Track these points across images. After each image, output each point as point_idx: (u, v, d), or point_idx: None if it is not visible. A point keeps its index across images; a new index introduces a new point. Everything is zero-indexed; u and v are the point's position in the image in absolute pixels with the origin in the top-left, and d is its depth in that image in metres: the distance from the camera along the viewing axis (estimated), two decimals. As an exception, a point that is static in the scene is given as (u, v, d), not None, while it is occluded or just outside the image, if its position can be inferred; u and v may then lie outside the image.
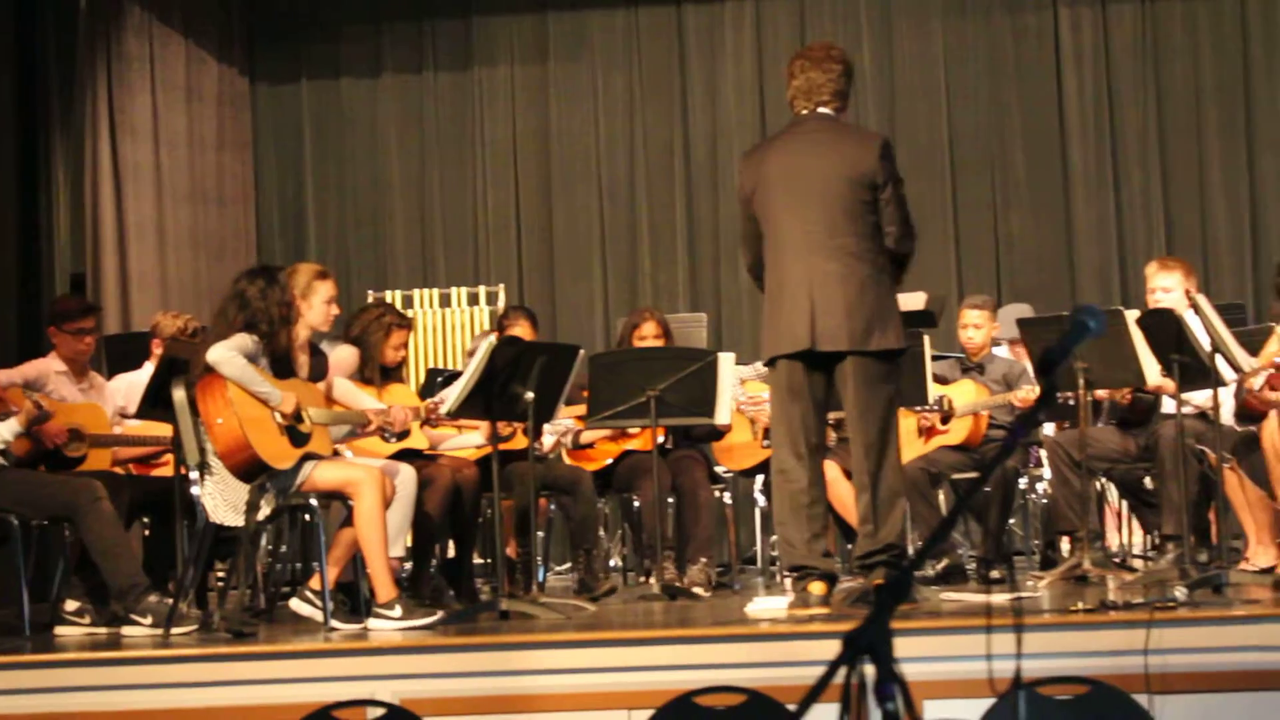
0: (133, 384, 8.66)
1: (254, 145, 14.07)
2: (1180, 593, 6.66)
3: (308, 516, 7.88)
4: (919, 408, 9.13)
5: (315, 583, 7.66)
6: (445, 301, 13.28)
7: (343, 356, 8.37)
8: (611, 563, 10.79)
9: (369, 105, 14.11)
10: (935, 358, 9.44)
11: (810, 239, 7.11)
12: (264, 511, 7.43)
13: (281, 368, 7.58)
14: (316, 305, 8.04)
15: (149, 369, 8.56)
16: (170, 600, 7.54)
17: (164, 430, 8.01)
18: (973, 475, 9.18)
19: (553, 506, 9.85)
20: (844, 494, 8.62)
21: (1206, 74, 13.34)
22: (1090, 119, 13.38)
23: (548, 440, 9.25)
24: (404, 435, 8.24)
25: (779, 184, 7.22)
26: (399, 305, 10.86)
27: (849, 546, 8.37)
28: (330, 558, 7.63)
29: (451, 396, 7.82)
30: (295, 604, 7.75)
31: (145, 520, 8.60)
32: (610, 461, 9.33)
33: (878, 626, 2.90)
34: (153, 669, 6.69)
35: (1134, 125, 13.36)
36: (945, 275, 13.13)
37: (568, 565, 10.64)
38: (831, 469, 8.56)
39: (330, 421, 7.76)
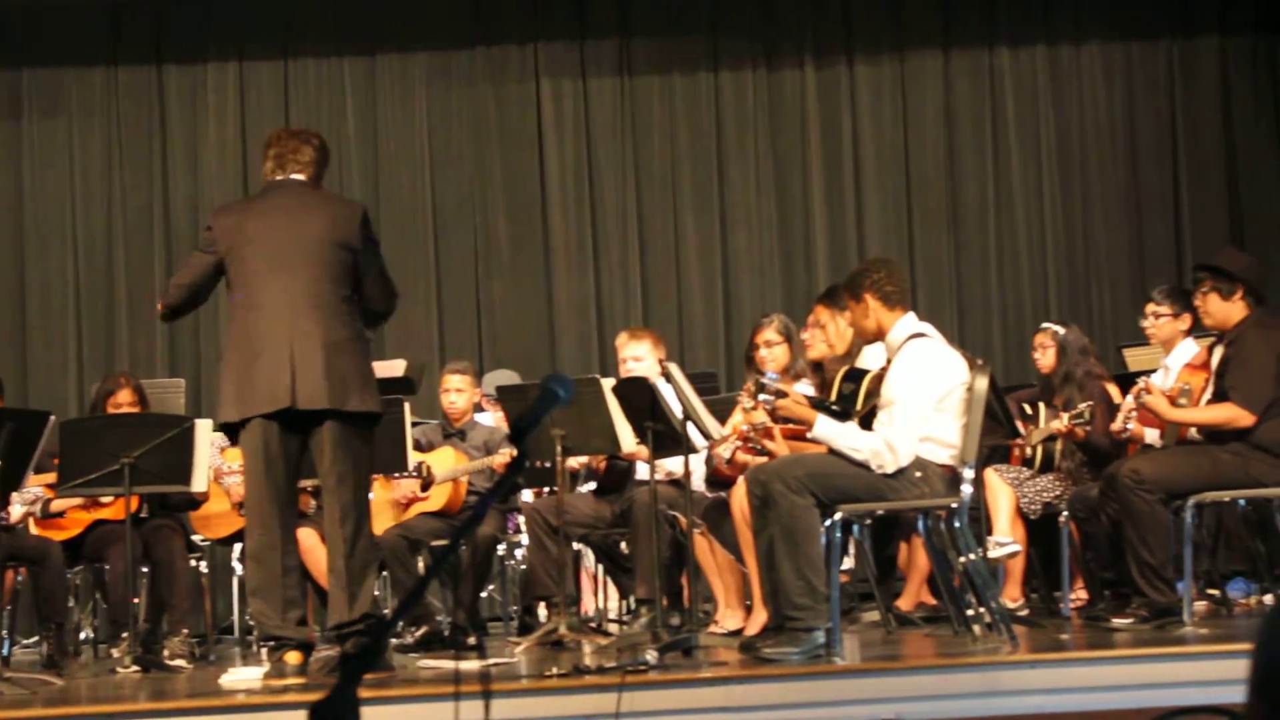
0: None
1: None
2: (651, 656, 6.79)
3: None
4: (398, 474, 9.13)
5: None
6: (-92, 365, 12.71)
7: None
8: (82, 635, 10.46)
9: None
10: (415, 424, 9.47)
11: (292, 300, 7.03)
12: None
13: None
14: None
15: None
16: None
17: None
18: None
19: (19, 578, 9.52)
20: (320, 561, 8.56)
21: (683, 149, 13.74)
22: (571, 189, 13.63)
23: (16, 510, 8.95)
24: None
25: (260, 245, 7.11)
26: None
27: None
28: None
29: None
30: None
31: None
32: (81, 531, 9.07)
33: (345, 696, 2.86)
34: None
35: (613, 197, 13.65)
36: (427, 341, 13.18)
37: (35, 639, 10.27)
38: (309, 536, 8.51)
39: None
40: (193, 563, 9.36)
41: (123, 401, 9.18)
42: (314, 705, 2.83)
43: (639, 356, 9.01)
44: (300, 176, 7.30)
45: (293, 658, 6.98)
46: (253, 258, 7.13)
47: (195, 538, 9.63)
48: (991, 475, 9.01)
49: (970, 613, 7.37)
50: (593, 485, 9.43)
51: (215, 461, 9.24)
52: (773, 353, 8.72)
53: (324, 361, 6.97)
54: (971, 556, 7.21)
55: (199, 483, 8.50)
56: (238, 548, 9.71)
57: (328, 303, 7.06)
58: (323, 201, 7.29)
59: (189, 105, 13.58)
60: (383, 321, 7.57)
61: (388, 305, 7.34)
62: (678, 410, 7.83)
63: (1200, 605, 8.74)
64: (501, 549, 10.02)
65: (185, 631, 8.75)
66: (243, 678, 7.20)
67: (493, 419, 10.46)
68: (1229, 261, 8.04)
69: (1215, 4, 13.90)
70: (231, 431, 7.18)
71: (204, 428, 8.47)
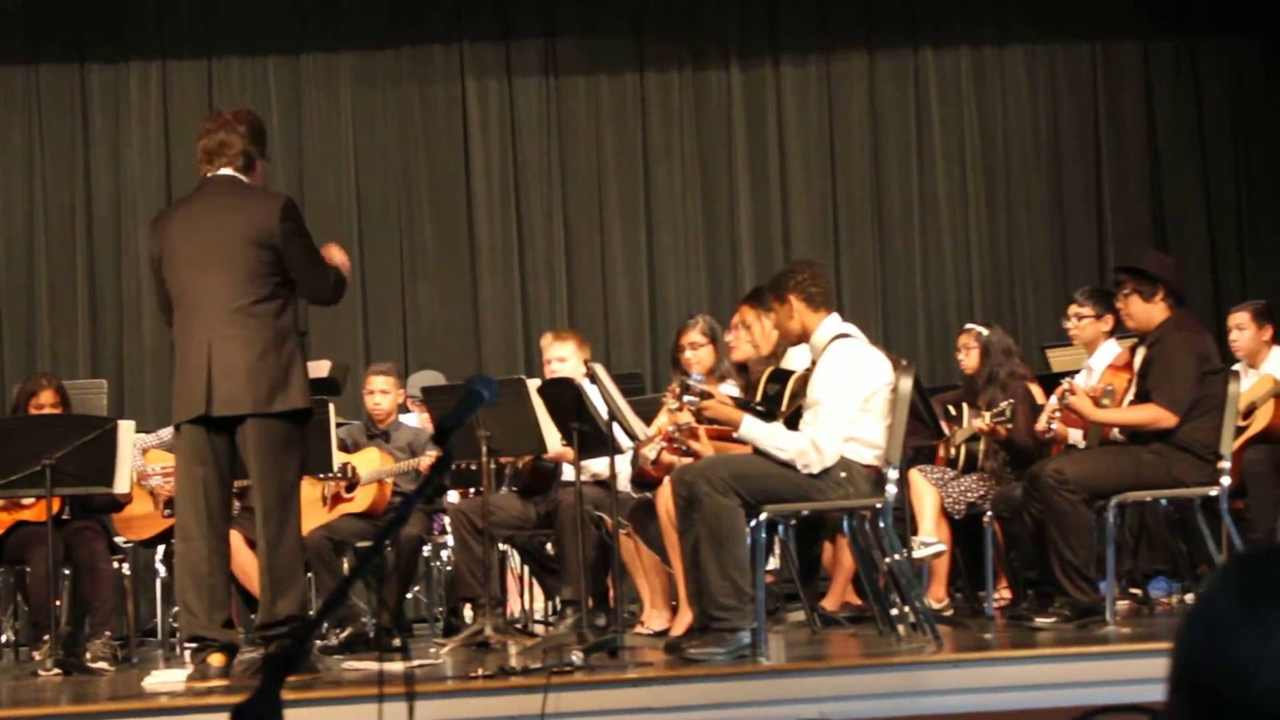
0: None
1: None
2: (577, 657, 6.77)
3: None
4: (323, 475, 9.09)
5: None
6: None
7: None
8: (2, 638, 10.36)
9: None
10: (339, 424, 9.43)
11: (214, 302, 6.99)
12: None
13: None
14: None
15: None
16: None
17: None
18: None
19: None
20: (246, 563, 8.52)
21: (608, 150, 13.73)
22: (496, 191, 13.60)
23: (-65, 511, 8.86)
24: None
25: (183, 247, 7.08)
26: None
27: (252, 616, 8.27)
28: None
29: None
30: None
31: None
32: (2, 533, 8.99)
33: (267, 698, 2.84)
34: None
35: (539, 198, 13.63)
36: (352, 342, 13.13)
37: (-44, 642, 10.20)
38: (235, 538, 8.45)
39: None
40: (115, 565, 9.27)
41: (45, 402, 9.10)
42: (236, 707, 2.81)
43: (563, 357, 9.00)
44: (228, 171, 7.24)
45: (216, 659, 6.94)
46: (179, 261, 7.11)
47: (118, 539, 9.55)
48: (916, 476, 9.04)
49: (895, 612, 7.39)
50: (503, 491, 9.39)
51: (138, 464, 9.17)
52: (698, 354, 8.72)
53: (245, 364, 6.93)
54: (896, 556, 7.24)
55: (121, 484, 8.43)
56: (161, 549, 9.65)
57: (249, 304, 7.00)
58: (242, 200, 7.18)
59: (111, 104, 13.48)
60: (334, 303, 7.55)
61: (323, 292, 7.28)
62: (603, 411, 7.83)
63: (1123, 604, 8.79)
64: (427, 550, 10.00)
65: (107, 634, 8.69)
66: (166, 680, 7.15)
67: (418, 420, 10.44)
68: (1150, 264, 8.11)
69: (1137, 7, 13.99)
70: None
71: (126, 429, 8.40)
